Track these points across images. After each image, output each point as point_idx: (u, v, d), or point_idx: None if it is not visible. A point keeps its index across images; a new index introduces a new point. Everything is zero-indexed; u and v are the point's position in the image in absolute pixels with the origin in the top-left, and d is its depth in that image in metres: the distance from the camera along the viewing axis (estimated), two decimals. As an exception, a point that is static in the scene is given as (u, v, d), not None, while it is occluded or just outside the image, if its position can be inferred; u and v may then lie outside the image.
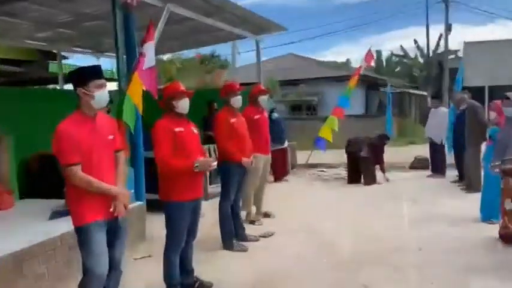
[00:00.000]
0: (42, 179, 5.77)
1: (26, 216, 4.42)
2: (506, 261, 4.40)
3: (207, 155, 3.80)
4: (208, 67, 23.64)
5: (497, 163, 4.96)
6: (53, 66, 10.34)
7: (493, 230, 5.23)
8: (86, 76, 2.85)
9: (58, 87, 10.90)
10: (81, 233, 2.86)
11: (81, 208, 2.83)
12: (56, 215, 4.18)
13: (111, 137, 2.95)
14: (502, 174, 4.88)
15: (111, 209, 2.87)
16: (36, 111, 6.49)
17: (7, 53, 10.08)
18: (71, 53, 10.23)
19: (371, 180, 9.02)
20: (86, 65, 3.34)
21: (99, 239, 2.87)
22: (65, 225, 3.73)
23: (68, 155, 2.72)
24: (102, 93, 2.84)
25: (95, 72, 2.89)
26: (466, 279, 4.02)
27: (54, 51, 9.50)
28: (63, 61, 10.27)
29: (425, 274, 4.16)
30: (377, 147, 9.36)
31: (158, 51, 10.78)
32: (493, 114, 5.68)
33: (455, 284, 3.92)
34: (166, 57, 19.18)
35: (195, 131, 3.85)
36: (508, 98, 4.94)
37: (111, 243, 3.00)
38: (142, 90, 5.12)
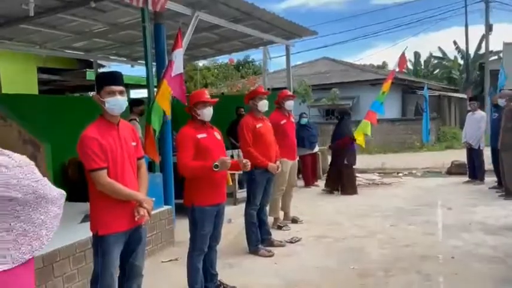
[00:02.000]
0: (79, 184, 5.96)
1: (62, 218, 4.58)
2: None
3: (226, 158, 3.80)
4: (243, 72, 23.82)
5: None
6: (90, 74, 10.62)
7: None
8: (100, 82, 2.90)
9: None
10: (100, 243, 2.86)
11: (104, 217, 2.85)
12: (87, 218, 4.34)
13: (133, 144, 2.98)
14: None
15: (136, 215, 2.87)
16: (71, 118, 6.68)
17: (47, 62, 10.53)
18: (107, 62, 10.53)
19: (351, 190, 8.70)
20: (111, 71, 3.43)
21: (116, 255, 2.90)
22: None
23: (93, 160, 2.73)
24: (114, 100, 2.83)
25: (108, 79, 2.91)
26: (501, 286, 3.93)
27: (91, 59, 9.83)
28: (100, 69, 10.59)
29: (456, 282, 4.08)
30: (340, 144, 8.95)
31: (192, 58, 11.15)
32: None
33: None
34: (202, 63, 19.53)
35: (219, 137, 3.89)
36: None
37: (133, 250, 3.03)
38: (172, 97, 5.24)
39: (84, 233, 3.24)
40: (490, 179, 8.84)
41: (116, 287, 2.99)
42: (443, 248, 5.09)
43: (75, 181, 6.30)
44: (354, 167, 8.91)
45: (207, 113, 3.76)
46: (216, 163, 3.55)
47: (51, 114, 6.91)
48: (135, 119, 6.09)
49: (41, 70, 10.50)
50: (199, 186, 3.70)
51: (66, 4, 5.62)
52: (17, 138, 5.31)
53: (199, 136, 3.69)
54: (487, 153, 8.98)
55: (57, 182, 6.78)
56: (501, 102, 7.98)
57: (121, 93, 2.89)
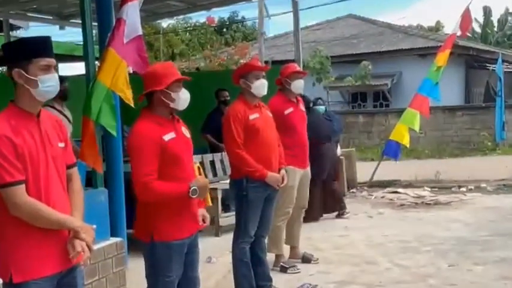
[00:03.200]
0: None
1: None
2: None
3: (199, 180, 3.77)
4: (228, 37, 23.90)
5: None
6: (0, 39, 10.53)
7: None
8: (26, 53, 2.80)
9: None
10: None
11: (21, 256, 2.79)
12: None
13: (61, 145, 2.91)
14: None
15: (70, 252, 2.82)
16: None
17: None
18: (25, 21, 10.49)
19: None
20: (34, 37, 3.36)
21: None
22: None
23: (5, 170, 2.64)
24: (50, 78, 2.81)
25: (40, 47, 2.85)
26: None
27: (0, 18, 9.81)
28: (14, 32, 10.56)
29: None
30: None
31: (153, 15, 11.08)
32: None
33: None
34: (167, 24, 19.53)
35: (187, 134, 3.86)
36: None
37: None
38: (131, 71, 5.21)
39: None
40: None
41: None
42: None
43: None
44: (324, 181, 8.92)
45: (181, 97, 3.73)
46: (194, 187, 3.58)
47: None
48: (54, 107, 5.98)
49: None
50: (162, 211, 3.70)
51: None
52: None
53: (166, 137, 3.66)
54: None
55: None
56: None
57: (54, 69, 2.87)
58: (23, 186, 2.70)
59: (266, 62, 6.53)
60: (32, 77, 2.74)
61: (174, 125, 3.76)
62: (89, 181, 5.51)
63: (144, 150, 3.61)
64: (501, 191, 11.06)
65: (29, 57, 2.79)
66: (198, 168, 3.74)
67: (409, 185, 11.67)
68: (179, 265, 3.79)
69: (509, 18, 32.10)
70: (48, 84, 2.82)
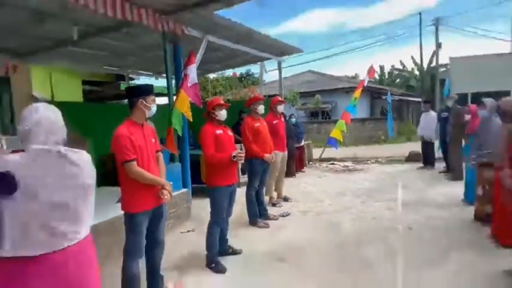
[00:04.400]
0: (114, 171, 5.98)
1: (102, 199, 4.56)
2: (478, 237, 4.29)
3: (239, 150, 3.87)
4: (244, 83, 23.75)
5: (473, 157, 4.80)
6: (123, 86, 10.58)
7: (471, 211, 5.03)
8: (147, 92, 2.87)
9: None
10: (131, 220, 2.85)
11: (133, 198, 2.82)
12: (120, 200, 4.35)
13: (153, 140, 2.96)
14: (477, 167, 4.72)
15: (160, 196, 2.87)
16: (107, 121, 6.66)
17: (90, 76, 10.52)
18: (137, 75, 10.48)
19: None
20: (145, 84, 3.40)
21: (143, 229, 2.88)
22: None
23: (126, 153, 2.70)
24: (154, 106, 2.89)
25: (151, 89, 2.92)
26: (447, 251, 3.92)
27: (124, 74, 9.79)
28: (131, 82, 10.57)
29: (412, 250, 4.06)
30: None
31: (204, 72, 11.12)
32: (467, 117, 5.45)
33: (436, 259, 3.79)
34: (212, 76, 19.43)
35: (230, 133, 3.92)
36: (482, 102, 4.77)
37: (156, 225, 3.02)
38: (190, 102, 5.21)
39: (118, 211, 3.23)
40: (440, 165, 8.82)
41: (143, 254, 2.98)
42: (403, 221, 5.08)
43: (110, 171, 6.30)
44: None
45: (223, 114, 3.82)
46: (233, 154, 3.66)
47: (93, 116, 6.91)
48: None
49: (84, 82, 10.51)
50: (219, 171, 3.73)
51: (103, 31, 5.57)
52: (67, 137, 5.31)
53: (217, 132, 3.74)
54: (437, 145, 8.99)
55: (98, 170, 6.81)
56: (449, 103, 8.01)
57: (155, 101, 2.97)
58: (135, 162, 2.75)
59: (264, 96, 6.54)
60: (148, 104, 2.82)
61: (222, 127, 3.82)
62: (171, 159, 5.53)
63: (208, 139, 3.68)
64: (389, 162, 11.07)
65: (146, 93, 2.85)
66: (240, 148, 3.91)
67: (340, 160, 11.63)
68: (226, 204, 3.84)
69: (394, 71, 31.71)
70: (154, 108, 2.90)
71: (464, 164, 6.19)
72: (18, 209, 1.51)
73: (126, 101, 2.96)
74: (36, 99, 7.34)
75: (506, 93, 7.75)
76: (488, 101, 4.71)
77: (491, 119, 4.55)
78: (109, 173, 6.36)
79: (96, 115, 6.99)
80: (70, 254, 1.61)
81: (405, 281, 3.32)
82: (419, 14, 23.20)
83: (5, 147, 1.67)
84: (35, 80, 7.94)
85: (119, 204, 2.95)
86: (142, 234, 2.90)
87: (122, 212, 2.94)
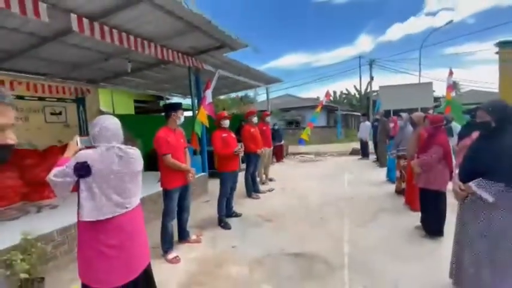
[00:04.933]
0: (155, 161, 5.88)
1: (147, 181, 4.52)
2: (397, 204, 4.31)
3: (238, 147, 3.79)
4: (244, 102, 23.60)
5: (393, 152, 4.83)
6: (162, 103, 10.40)
7: (393, 187, 5.08)
8: (177, 108, 2.84)
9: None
10: (167, 193, 2.84)
11: (169, 179, 2.81)
12: (159, 180, 4.30)
13: (182, 140, 2.93)
14: (396, 158, 4.76)
15: (187, 178, 2.86)
16: (150, 127, 6.57)
17: (140, 96, 10.37)
18: (170, 96, 10.35)
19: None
20: (176, 102, 3.39)
21: (175, 199, 2.86)
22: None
23: (163, 149, 2.70)
24: (182, 117, 2.85)
25: (180, 106, 2.89)
26: (376, 213, 3.95)
27: (162, 95, 9.66)
28: (167, 100, 10.43)
29: (354, 212, 4.09)
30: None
31: (216, 94, 11.03)
32: (391, 125, 5.50)
33: (369, 217, 3.82)
34: (222, 97, 19.28)
35: (233, 135, 3.86)
36: (400, 115, 4.79)
37: (184, 197, 3.00)
38: (207, 115, 5.16)
39: (158, 188, 3.21)
40: (372, 157, 8.87)
41: (175, 216, 2.96)
42: (348, 193, 5.11)
43: (154, 160, 6.22)
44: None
45: (227, 123, 3.75)
46: (235, 150, 3.60)
47: (141, 124, 6.81)
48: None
49: (135, 101, 10.36)
50: (225, 161, 3.68)
51: (148, 66, 5.51)
52: (124, 138, 5.22)
53: (223, 135, 3.68)
54: (370, 143, 9.04)
55: (145, 160, 6.74)
56: (379, 116, 8.07)
57: (182, 113, 2.91)
58: (170, 155, 2.72)
59: (257, 111, 6.52)
60: (178, 116, 2.76)
61: (227, 131, 3.72)
62: (195, 153, 5.47)
63: (217, 140, 3.59)
64: (339, 156, 11.04)
65: (177, 109, 2.79)
66: (241, 145, 3.84)
67: (307, 153, 11.57)
68: (231, 183, 3.73)
69: (342, 95, 31.60)
70: (182, 119, 2.82)
71: (387, 156, 6.26)
72: (91, 187, 1.50)
73: (163, 113, 2.91)
74: (102, 112, 7.22)
75: (416, 110, 7.83)
76: (404, 114, 4.75)
77: (405, 126, 4.58)
78: (152, 162, 6.33)
79: (144, 123, 6.89)
80: (127, 217, 1.59)
81: (349, 232, 3.34)
82: (359, 57, 23.39)
83: (79, 144, 1.65)
84: (101, 99, 7.83)
85: (159, 183, 2.92)
86: (174, 203, 2.88)
87: (161, 189, 2.92)
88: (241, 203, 4.67)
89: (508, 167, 1.68)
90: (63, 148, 4.80)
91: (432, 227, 3.05)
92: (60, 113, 6.13)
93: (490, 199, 1.75)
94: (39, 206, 3.72)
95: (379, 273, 2.47)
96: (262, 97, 27.70)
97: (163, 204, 2.91)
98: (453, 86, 9.88)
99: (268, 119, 5.97)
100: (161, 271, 2.64)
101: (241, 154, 3.81)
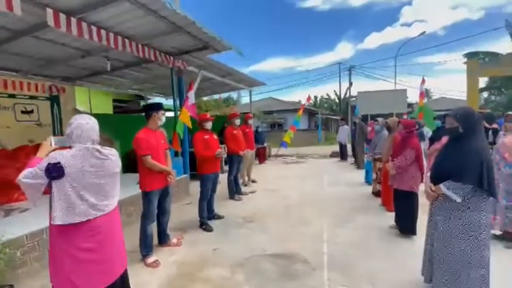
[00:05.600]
0: (134, 163, 5.69)
1: (126, 182, 4.36)
2: (373, 205, 4.44)
3: (221, 149, 3.74)
4: (227, 104, 23.46)
5: (370, 154, 5.01)
6: (142, 103, 10.16)
7: (369, 188, 5.26)
8: (158, 108, 2.76)
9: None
10: (146, 196, 2.76)
11: (148, 181, 2.73)
12: (138, 182, 4.16)
13: (163, 141, 2.86)
14: (372, 160, 4.93)
15: (168, 179, 2.79)
16: (130, 127, 6.36)
17: (120, 96, 10.00)
18: (152, 96, 10.08)
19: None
20: (157, 102, 3.30)
21: (155, 202, 2.78)
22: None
23: (143, 150, 2.62)
24: (163, 118, 2.78)
25: (161, 106, 2.81)
26: (354, 213, 4.06)
27: (143, 95, 9.38)
28: (148, 100, 10.16)
29: (333, 212, 4.18)
30: None
31: (199, 95, 10.90)
32: (368, 129, 5.70)
33: (347, 217, 3.93)
34: (205, 98, 19.03)
35: (215, 137, 3.79)
36: (376, 120, 4.98)
37: (164, 200, 2.92)
38: (190, 116, 5.08)
39: (138, 190, 3.11)
40: (350, 159, 9.13)
41: (155, 219, 2.88)
42: (327, 193, 5.22)
43: (132, 161, 6.01)
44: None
45: (209, 125, 3.68)
46: (217, 153, 3.54)
47: (120, 124, 6.56)
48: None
49: (114, 100, 9.98)
50: (205, 163, 3.61)
51: (127, 65, 5.33)
52: (101, 138, 5.01)
53: (205, 137, 3.61)
54: (349, 146, 9.32)
55: (123, 162, 6.49)
56: (357, 121, 8.33)
57: (164, 114, 2.83)
58: (150, 156, 2.65)
59: (240, 113, 6.50)
60: (159, 116, 2.68)
61: (209, 133, 3.65)
62: (176, 154, 5.36)
63: (198, 142, 3.51)
64: (319, 158, 11.20)
65: (158, 109, 2.72)
66: (223, 147, 3.77)
67: (289, 155, 11.70)
68: (211, 185, 3.67)
69: (323, 99, 32.35)
70: (163, 119, 2.74)
71: (364, 158, 6.46)
72: (65, 189, 1.42)
73: (144, 114, 2.82)
74: (78, 111, 6.87)
75: (391, 115, 8.22)
76: (380, 119, 4.93)
77: (381, 130, 4.74)
78: (131, 163, 6.11)
79: (123, 123, 6.63)
80: (103, 221, 1.53)
81: (329, 232, 3.42)
82: (339, 63, 24.21)
83: (53, 144, 1.56)
84: (78, 97, 7.46)
85: (138, 185, 2.83)
86: (154, 205, 2.80)
87: (140, 191, 2.82)
88: (223, 205, 4.62)
89: (473, 169, 1.78)
90: (36, 148, 4.53)
91: (405, 226, 3.19)
92: (32, 111, 5.76)
93: (458, 199, 1.83)
94: (7, 209, 3.48)
95: (356, 271, 2.54)
96: (245, 99, 27.75)
97: (143, 206, 2.81)
98: (425, 93, 10.46)
99: (251, 121, 5.97)
100: (140, 276, 2.55)
101: (224, 156, 3.77)
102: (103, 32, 3.31)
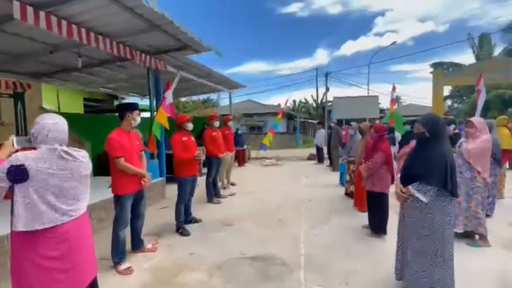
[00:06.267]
0: (106, 165, 5.44)
1: (98, 186, 4.17)
2: (347, 206, 4.60)
3: (199, 151, 3.68)
4: (206, 105, 23.16)
5: (344, 157, 5.19)
6: (116, 103, 9.75)
7: (343, 190, 5.43)
8: (133, 108, 2.66)
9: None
10: (118, 200, 2.64)
11: (121, 184, 2.62)
12: (110, 185, 3.98)
13: (138, 143, 2.76)
14: (346, 163, 5.11)
15: (142, 182, 2.69)
16: (102, 127, 6.07)
17: (91, 95, 9.49)
18: (127, 96, 9.69)
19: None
20: (132, 102, 3.17)
21: (128, 206, 2.68)
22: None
23: (115, 151, 2.52)
24: (138, 118, 2.68)
25: (136, 106, 2.72)
26: (329, 214, 4.18)
27: (117, 94, 8.99)
28: (122, 100, 9.75)
29: (310, 213, 4.27)
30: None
31: (177, 96, 10.67)
32: (343, 133, 5.92)
33: (323, 218, 4.04)
34: (183, 99, 18.63)
35: (193, 139, 3.72)
36: (350, 124, 5.19)
37: (139, 204, 2.82)
38: (168, 116, 4.94)
39: (110, 194, 2.95)
40: (327, 162, 9.36)
41: (128, 224, 2.76)
42: (306, 195, 5.30)
43: (104, 164, 5.72)
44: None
45: (190, 126, 3.62)
46: (196, 154, 3.47)
47: (91, 125, 6.23)
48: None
49: (86, 99, 9.45)
50: (183, 166, 3.53)
51: (101, 62, 5.09)
52: (69, 139, 4.72)
53: (184, 139, 3.53)
54: (325, 149, 9.57)
55: (94, 164, 6.16)
56: (332, 125, 8.61)
57: (139, 114, 2.73)
58: (123, 158, 2.55)
59: (219, 115, 6.43)
60: (134, 117, 2.59)
61: (187, 135, 3.58)
62: (152, 156, 5.19)
63: (177, 144, 3.43)
64: (297, 160, 11.35)
65: (133, 109, 2.63)
66: (202, 149, 3.71)
67: (268, 158, 11.74)
68: (189, 188, 3.57)
69: (301, 103, 32.97)
70: (138, 120, 2.66)
71: (339, 161, 6.66)
72: (29, 193, 1.33)
73: (117, 114, 2.71)
74: (45, 110, 6.43)
75: (364, 120, 8.62)
76: (354, 124, 5.17)
77: (355, 134, 4.95)
78: (103, 166, 5.81)
79: (94, 124, 6.31)
80: (71, 227, 1.44)
81: (306, 233, 3.49)
82: (316, 69, 25.03)
83: (15, 145, 1.45)
84: (44, 95, 6.98)
85: (110, 189, 2.70)
86: (127, 210, 2.68)
87: (112, 195, 2.70)
88: (201, 208, 4.54)
89: (439, 171, 1.89)
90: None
91: (377, 226, 3.35)
92: (-9, 109, 5.29)
93: (425, 200, 1.94)
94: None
95: (332, 271, 2.62)
96: (224, 101, 27.60)
97: (115, 211, 2.69)
98: (396, 99, 11.11)
99: (230, 123, 5.95)
100: (111, 284, 2.43)
101: (203, 158, 3.72)
102: (74, 27, 3.14)
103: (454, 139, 3.49)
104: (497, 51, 16.73)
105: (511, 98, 14.19)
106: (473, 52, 17.83)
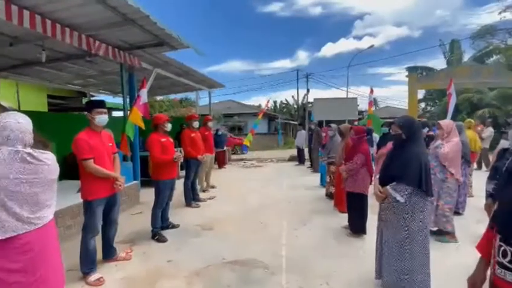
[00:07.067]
0: (74, 168, 5.17)
1: (65, 191, 3.92)
2: (327, 206, 4.72)
3: (179, 153, 3.60)
4: (184, 104, 22.70)
5: (324, 159, 5.33)
6: (84, 100, 9.25)
7: (324, 191, 5.58)
8: (91, 106, 2.52)
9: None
10: (88, 205, 2.51)
11: (90, 189, 2.49)
12: (79, 190, 3.78)
13: (110, 144, 2.64)
14: (326, 164, 5.26)
15: (115, 186, 2.57)
16: (69, 127, 5.75)
17: (55, 91, 8.92)
18: (97, 93, 9.23)
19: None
20: (98, 99, 3.00)
21: (99, 213, 2.55)
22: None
23: (83, 153, 2.39)
24: (100, 117, 2.49)
25: (96, 104, 2.55)
26: (310, 215, 4.27)
27: (86, 92, 8.53)
28: (92, 98, 9.27)
29: (291, 215, 4.33)
30: None
31: (153, 94, 10.35)
32: (323, 134, 6.08)
33: (304, 219, 4.12)
34: (159, 98, 18.11)
35: (171, 140, 3.63)
36: (330, 126, 5.34)
37: (111, 209, 2.70)
38: (142, 116, 4.78)
39: (78, 199, 2.80)
40: (307, 163, 9.55)
41: (99, 231, 2.63)
42: (286, 197, 5.38)
43: (71, 167, 5.41)
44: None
45: (168, 126, 3.53)
46: (175, 157, 3.39)
47: (57, 124, 5.87)
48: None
49: (50, 96, 8.87)
50: (162, 168, 3.43)
51: (68, 56, 4.81)
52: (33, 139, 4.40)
53: (162, 140, 3.43)
54: (306, 150, 9.78)
55: (60, 166, 5.80)
56: (313, 126, 8.81)
57: (105, 113, 2.56)
58: (92, 160, 2.44)
59: (198, 115, 6.35)
60: (93, 115, 2.50)
61: (165, 136, 3.50)
62: (125, 159, 4.99)
63: (155, 145, 3.33)
64: (278, 162, 11.49)
65: (92, 108, 2.52)
66: (180, 151, 3.60)
67: (250, 159, 11.78)
68: (167, 192, 3.49)
69: (282, 104, 33.21)
70: (99, 119, 2.52)
71: (319, 162, 6.84)
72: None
73: (86, 112, 2.57)
74: (4, 109, 5.94)
75: (343, 121, 8.95)
76: (333, 125, 5.33)
77: (334, 136, 5.09)
78: (70, 169, 5.49)
79: (60, 123, 5.95)
80: (35, 236, 1.34)
81: (287, 235, 3.54)
82: (297, 70, 25.44)
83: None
84: (2, 91, 6.45)
85: (79, 194, 2.55)
86: (97, 216, 2.55)
87: (81, 200, 2.55)
88: (179, 213, 4.45)
89: (414, 172, 1.99)
90: None
91: (356, 226, 3.48)
92: None
93: (402, 200, 2.04)
94: None
95: (312, 272, 2.68)
96: (203, 101, 27.24)
97: (84, 218, 2.55)
98: (373, 102, 11.63)
99: (210, 124, 5.89)
100: (79, 297, 2.30)
101: (181, 160, 3.64)
102: (38, 17, 2.94)
103: (427, 141, 3.72)
104: (466, 57, 18.10)
105: (479, 102, 15.39)
106: (445, 57, 19.16)
